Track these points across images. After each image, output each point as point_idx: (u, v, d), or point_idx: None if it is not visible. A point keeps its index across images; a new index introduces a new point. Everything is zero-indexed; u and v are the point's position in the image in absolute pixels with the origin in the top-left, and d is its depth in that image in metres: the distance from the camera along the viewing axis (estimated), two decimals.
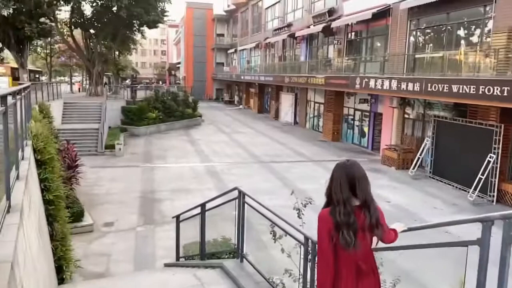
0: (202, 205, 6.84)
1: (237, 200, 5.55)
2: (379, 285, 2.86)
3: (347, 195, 2.72)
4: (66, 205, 9.19)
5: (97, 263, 8.90)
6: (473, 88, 12.38)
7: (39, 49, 46.18)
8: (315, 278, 4.10)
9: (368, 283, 2.75)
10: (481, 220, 2.42)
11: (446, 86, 13.52)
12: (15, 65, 29.48)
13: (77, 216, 10.55)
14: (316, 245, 2.91)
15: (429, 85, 14.35)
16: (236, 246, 5.92)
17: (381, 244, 2.97)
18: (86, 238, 10.18)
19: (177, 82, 67.01)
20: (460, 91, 12.91)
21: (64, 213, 7.60)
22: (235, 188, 5.63)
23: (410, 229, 3.35)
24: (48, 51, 45.39)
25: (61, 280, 7.05)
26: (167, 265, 8.21)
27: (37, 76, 43.31)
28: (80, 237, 9.99)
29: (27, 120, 7.78)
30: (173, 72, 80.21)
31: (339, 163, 2.89)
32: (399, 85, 16.11)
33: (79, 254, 8.70)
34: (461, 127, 15.16)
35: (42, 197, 6.74)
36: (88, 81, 39.83)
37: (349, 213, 2.67)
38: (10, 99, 3.72)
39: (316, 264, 2.88)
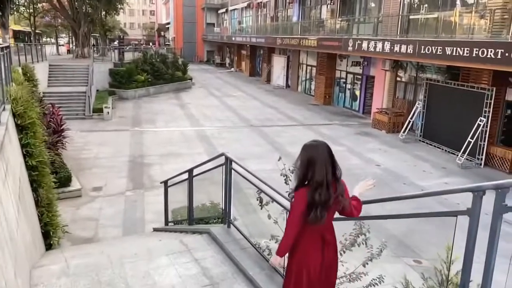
0: (190, 171, 6.73)
1: (224, 166, 5.43)
2: (337, 252, 3.22)
3: (330, 176, 2.86)
4: (52, 171, 9.07)
5: (85, 228, 8.87)
6: (467, 50, 12.15)
7: (21, 8, 44.36)
8: None
9: (332, 250, 3.06)
10: (472, 190, 2.32)
11: (440, 48, 13.27)
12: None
13: (65, 181, 10.42)
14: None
15: (422, 47, 14.08)
16: (223, 212, 5.87)
17: (376, 211, 2.95)
18: (74, 203, 10.11)
19: (167, 43, 65.33)
20: (454, 54, 12.68)
21: (49, 179, 7.46)
22: (222, 154, 5.50)
23: (399, 198, 3.27)
24: (31, 10, 43.64)
25: (48, 246, 7.02)
26: (156, 230, 8.21)
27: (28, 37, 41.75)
28: (68, 202, 9.92)
29: (7, 83, 7.47)
30: (162, 33, 78.06)
31: (313, 145, 2.97)
32: (392, 47, 15.79)
33: (67, 220, 8.66)
34: (453, 90, 15.04)
35: (25, 163, 6.57)
36: (74, 43, 38.63)
37: (330, 194, 2.83)
38: None
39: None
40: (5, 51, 7.70)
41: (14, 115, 6.52)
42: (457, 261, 3.07)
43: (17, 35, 39.81)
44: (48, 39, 64.03)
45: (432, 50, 13.64)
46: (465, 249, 2.33)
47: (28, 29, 47.86)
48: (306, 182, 2.89)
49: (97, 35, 45.92)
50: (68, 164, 11.68)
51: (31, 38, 42.63)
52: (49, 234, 7.04)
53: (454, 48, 12.66)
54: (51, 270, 4.73)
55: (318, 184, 2.79)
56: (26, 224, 5.02)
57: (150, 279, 4.44)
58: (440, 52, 13.29)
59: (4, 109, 5.99)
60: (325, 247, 2.99)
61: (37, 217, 6.73)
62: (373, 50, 17.23)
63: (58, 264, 4.98)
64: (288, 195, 3.13)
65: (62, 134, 13.14)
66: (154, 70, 28.73)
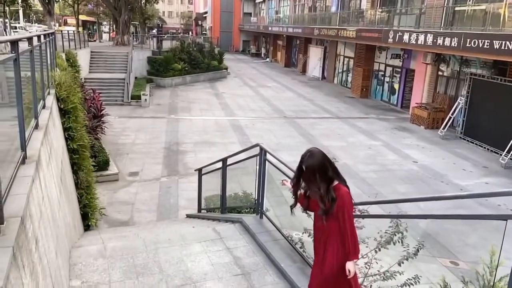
0: (224, 160, 6.77)
1: (258, 157, 5.42)
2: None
3: None
4: (92, 154, 9.38)
5: (121, 211, 9.14)
6: None
7: None
8: None
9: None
10: None
11: (487, 42, 12.62)
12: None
13: (103, 165, 10.76)
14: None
15: (468, 40, 13.44)
16: (256, 202, 5.87)
17: (410, 209, 2.88)
18: (111, 186, 10.43)
19: (204, 32, 65.76)
20: (502, 48, 12.03)
21: (88, 162, 7.72)
22: (256, 145, 5.48)
23: (438, 198, 3.13)
24: None
25: (87, 227, 7.29)
26: (188, 216, 8.34)
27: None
28: (105, 185, 10.25)
29: (52, 68, 7.75)
30: (199, 22, 78.58)
31: (316, 151, 3.03)
32: (435, 40, 15.19)
33: (104, 202, 8.96)
34: (499, 86, 14.32)
35: (66, 146, 6.82)
36: (114, 30, 39.56)
37: None
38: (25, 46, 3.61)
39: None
40: (50, 37, 7.98)
41: (57, 99, 6.76)
42: (501, 267, 2.93)
43: (84, 25, 46.18)
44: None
45: (478, 43, 13.00)
46: None
47: (92, 18, 51.85)
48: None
49: (137, 23, 46.81)
50: (106, 148, 12.04)
51: (95, 27, 45.94)
52: (88, 216, 7.31)
53: (503, 42, 12.00)
54: (89, 251, 4.90)
55: (339, 172, 2.97)
56: (67, 205, 5.21)
57: (183, 265, 4.51)
58: (487, 45, 12.65)
59: (49, 93, 6.21)
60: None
61: (77, 199, 6.99)
62: (414, 42, 16.63)
63: (96, 245, 5.14)
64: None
65: (102, 119, 13.54)
66: (191, 59, 29.04)
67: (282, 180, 3.56)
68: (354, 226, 2.96)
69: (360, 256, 4.50)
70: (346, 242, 2.91)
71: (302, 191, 3.16)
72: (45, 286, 2.70)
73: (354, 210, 3.10)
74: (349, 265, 2.91)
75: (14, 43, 2.83)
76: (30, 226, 2.43)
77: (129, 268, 4.45)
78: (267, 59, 47.82)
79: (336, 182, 2.93)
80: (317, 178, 2.87)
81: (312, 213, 4.62)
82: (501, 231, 2.42)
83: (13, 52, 2.81)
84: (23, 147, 3.04)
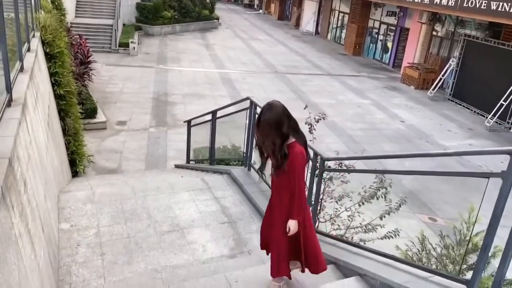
0: (214, 112, 6.75)
1: (248, 111, 5.41)
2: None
3: None
4: (79, 101, 9.22)
5: (110, 159, 9.16)
6: None
7: None
8: (320, 192, 4.11)
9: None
10: (510, 152, 2.22)
11: (484, 2, 12.42)
12: None
13: (90, 112, 10.62)
14: (303, 180, 2.94)
15: (465, 0, 13.20)
16: (244, 155, 5.93)
17: (394, 167, 2.91)
18: (99, 134, 10.37)
19: None
20: (499, 9, 11.87)
21: (76, 109, 7.62)
22: (247, 98, 5.46)
23: (424, 155, 3.20)
24: None
25: (74, 173, 7.32)
26: (177, 166, 8.42)
27: None
28: (93, 133, 10.18)
29: (36, 10, 7.42)
30: None
31: (275, 104, 2.87)
32: None
33: (92, 150, 8.95)
34: (492, 49, 14.26)
35: (53, 92, 6.68)
36: None
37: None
38: None
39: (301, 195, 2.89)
40: None
41: (43, 43, 6.53)
42: (477, 223, 3.06)
43: None
44: None
45: (475, 3, 12.78)
46: (493, 211, 2.29)
47: None
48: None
49: None
50: (94, 96, 11.84)
51: None
52: (75, 162, 7.31)
53: (500, 3, 11.83)
54: (77, 196, 4.96)
55: (296, 130, 2.85)
56: (55, 151, 5.19)
57: (171, 212, 4.61)
58: (484, 6, 12.46)
59: (33, 36, 5.99)
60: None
61: (65, 145, 6.95)
62: (411, 0, 16.27)
63: (84, 191, 5.20)
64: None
65: (89, 66, 13.21)
66: (181, 7, 28.00)
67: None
68: (303, 187, 2.87)
69: (344, 209, 4.66)
70: (292, 201, 2.85)
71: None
72: (34, 227, 2.74)
73: (306, 172, 3.02)
74: (290, 223, 2.84)
75: None
76: (18, 168, 2.42)
77: (117, 213, 4.53)
78: (260, 11, 46.44)
79: (292, 140, 2.81)
80: (272, 133, 2.75)
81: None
82: (480, 191, 2.50)
83: None
84: (9, 89, 2.97)
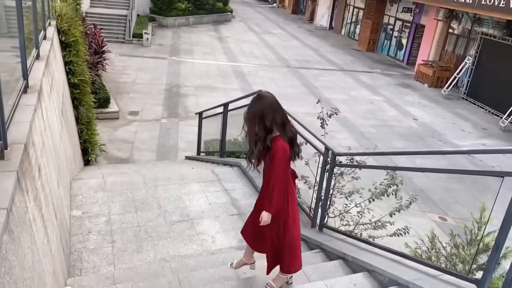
0: (225, 105, 6.75)
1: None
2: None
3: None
4: (92, 91, 9.31)
5: (121, 149, 9.24)
6: None
7: None
8: (331, 187, 4.10)
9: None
10: None
11: (503, 0, 12.18)
12: None
13: (103, 102, 10.71)
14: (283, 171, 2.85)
15: None
16: None
17: (405, 165, 2.87)
18: (112, 124, 10.46)
19: None
20: None
21: (89, 98, 7.69)
22: (259, 91, 5.43)
23: (436, 152, 3.17)
24: None
25: (87, 162, 7.41)
26: (188, 158, 8.46)
27: None
28: (105, 123, 10.27)
29: None
30: None
31: (265, 96, 2.81)
32: None
33: (104, 139, 9.04)
34: (509, 48, 14.00)
35: (67, 80, 6.75)
36: None
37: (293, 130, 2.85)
38: None
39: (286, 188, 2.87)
40: None
41: (58, 31, 6.59)
42: (489, 224, 3.03)
43: None
44: None
45: (494, 1, 12.54)
46: (506, 211, 2.26)
47: None
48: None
49: None
50: (107, 86, 11.94)
51: None
52: (88, 151, 7.40)
53: None
54: (89, 184, 5.02)
55: (283, 124, 2.75)
56: (68, 139, 5.26)
57: (181, 203, 4.65)
58: (502, 4, 12.22)
59: (49, 25, 6.04)
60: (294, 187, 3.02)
61: (77, 133, 7.03)
62: None
63: (96, 179, 5.26)
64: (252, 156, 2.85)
65: (103, 55, 13.30)
66: None
67: None
68: (280, 182, 2.76)
69: (353, 204, 4.64)
70: (268, 193, 2.81)
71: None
72: (47, 213, 2.78)
73: (291, 171, 2.91)
74: (262, 214, 2.80)
75: None
76: (33, 154, 2.46)
77: (128, 202, 4.58)
78: (274, 4, 46.15)
79: (277, 133, 2.74)
80: (255, 124, 2.71)
81: (309, 162, 4.70)
82: (491, 190, 2.48)
83: None
84: (25, 76, 3.01)
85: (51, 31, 5.61)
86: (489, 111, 14.56)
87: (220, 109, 6.99)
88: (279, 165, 2.72)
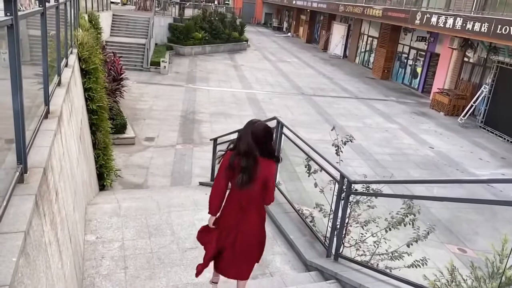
0: (239, 131, 6.78)
1: (275, 130, 5.41)
2: (261, 222, 3.33)
3: (256, 151, 3.01)
4: (110, 117, 9.50)
5: (136, 174, 9.31)
6: None
7: None
8: (346, 216, 4.04)
9: (250, 217, 3.19)
10: None
11: None
12: None
13: (120, 128, 10.90)
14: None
15: (499, 26, 12.98)
16: None
17: (422, 194, 2.82)
18: (128, 150, 10.59)
19: (226, 2, 64.73)
20: None
21: (107, 124, 7.84)
22: (274, 118, 5.47)
23: (455, 181, 3.11)
24: None
25: (102, 187, 7.47)
26: (202, 184, 8.45)
27: None
28: (121, 148, 10.41)
29: (75, 28, 7.77)
30: None
31: (253, 121, 3.17)
32: (464, 24, 14.71)
33: (120, 165, 9.13)
34: None
35: (86, 106, 6.91)
36: None
37: (251, 164, 3.00)
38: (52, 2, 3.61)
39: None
40: None
41: (79, 59, 6.81)
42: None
43: None
44: None
45: (509, 30, 12.54)
46: None
47: None
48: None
49: None
50: (124, 112, 12.17)
51: None
52: (103, 176, 7.48)
53: None
54: (104, 209, 5.04)
55: (240, 152, 3.00)
56: (85, 163, 5.33)
57: (194, 229, 4.61)
58: None
59: (71, 53, 6.25)
60: (242, 212, 3.16)
61: (94, 158, 7.13)
62: (442, 25, 16.14)
63: (111, 204, 5.29)
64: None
65: (121, 83, 13.62)
66: (212, 29, 28.74)
67: None
68: (215, 185, 3.18)
69: (369, 234, 4.54)
70: None
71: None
72: (63, 237, 2.79)
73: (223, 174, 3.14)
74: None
75: None
76: (51, 178, 2.50)
77: (142, 228, 4.57)
78: (289, 34, 47.02)
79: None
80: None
81: (324, 190, 4.66)
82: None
83: (40, 6, 2.82)
84: (47, 102, 3.09)
85: (73, 59, 5.80)
86: (508, 140, 14.32)
87: (234, 136, 7.03)
88: (219, 173, 3.16)
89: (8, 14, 1.85)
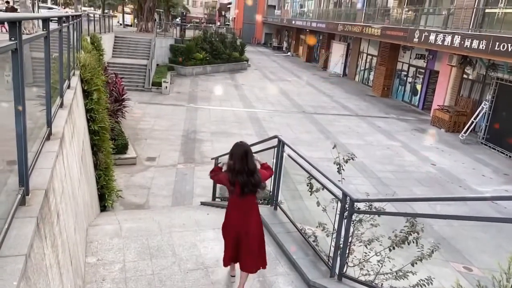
0: None
1: (276, 149, 5.42)
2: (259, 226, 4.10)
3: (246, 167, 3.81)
4: (111, 137, 9.53)
5: (138, 194, 9.28)
6: None
7: None
8: (349, 235, 4.00)
9: (251, 218, 4.01)
10: None
11: None
12: None
13: (122, 148, 10.92)
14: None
15: (497, 43, 13.11)
16: (271, 194, 5.88)
17: (426, 211, 2.79)
18: (129, 170, 10.58)
19: (227, 23, 65.75)
20: None
21: (108, 144, 7.85)
22: (275, 137, 5.49)
23: (459, 199, 3.09)
24: None
25: (103, 208, 7.43)
26: (203, 203, 8.41)
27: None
28: (123, 168, 10.40)
29: (77, 50, 7.87)
30: (223, 13, 78.63)
31: (238, 144, 3.97)
32: (462, 42, 14.86)
33: (121, 185, 9.11)
34: None
35: (88, 127, 6.94)
36: (138, 17, 39.85)
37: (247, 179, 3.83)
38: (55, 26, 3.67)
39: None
40: (77, 20, 8.10)
41: (81, 80, 6.87)
42: None
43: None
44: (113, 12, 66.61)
45: (507, 47, 12.66)
46: None
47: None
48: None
49: (161, 10, 47.05)
50: (126, 132, 12.21)
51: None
52: (104, 197, 7.45)
53: None
54: (105, 230, 5.01)
55: (238, 171, 3.78)
56: (86, 185, 5.32)
57: (196, 250, 4.57)
58: None
59: (73, 74, 6.31)
60: (245, 215, 3.98)
61: (95, 179, 7.12)
62: (440, 43, 16.31)
63: (112, 225, 5.25)
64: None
65: (123, 103, 13.72)
66: (213, 49, 29.09)
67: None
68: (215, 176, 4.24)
69: (373, 253, 4.49)
70: None
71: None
72: (63, 260, 2.77)
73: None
74: None
75: (46, 21, 2.89)
76: (53, 200, 2.49)
77: (143, 249, 4.53)
78: (288, 53, 47.55)
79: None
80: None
81: (326, 209, 4.63)
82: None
83: (44, 29, 2.86)
84: (49, 123, 3.11)
85: (75, 81, 5.85)
86: (510, 156, 14.28)
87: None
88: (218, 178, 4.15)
89: (13, 38, 1.88)
